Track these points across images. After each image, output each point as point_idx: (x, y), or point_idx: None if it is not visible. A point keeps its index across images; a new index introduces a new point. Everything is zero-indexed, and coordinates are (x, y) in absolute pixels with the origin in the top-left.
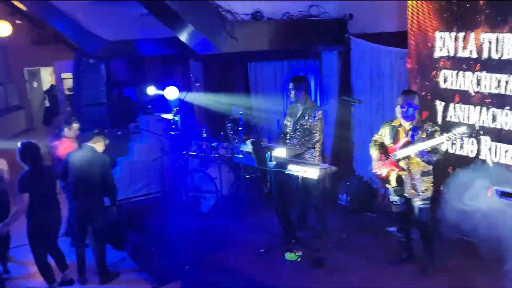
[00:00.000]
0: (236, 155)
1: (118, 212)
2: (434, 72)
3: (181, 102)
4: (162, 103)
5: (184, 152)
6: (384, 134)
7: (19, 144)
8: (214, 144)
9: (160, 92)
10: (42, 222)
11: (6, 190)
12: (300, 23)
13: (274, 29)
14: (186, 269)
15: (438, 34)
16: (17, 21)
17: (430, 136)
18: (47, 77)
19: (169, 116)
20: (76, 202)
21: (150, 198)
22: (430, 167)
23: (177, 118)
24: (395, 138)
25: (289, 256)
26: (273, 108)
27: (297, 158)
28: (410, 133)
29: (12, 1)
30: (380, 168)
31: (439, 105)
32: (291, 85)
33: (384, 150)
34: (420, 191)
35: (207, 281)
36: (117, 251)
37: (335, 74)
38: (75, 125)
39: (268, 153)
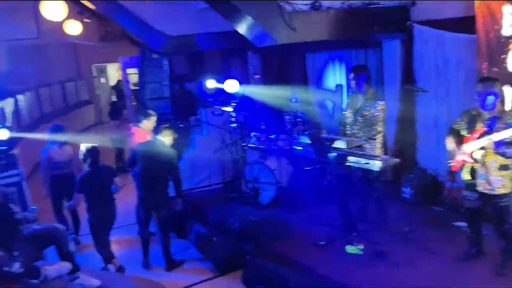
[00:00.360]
0: (295, 146)
1: (182, 203)
2: (503, 56)
3: (240, 95)
4: (222, 96)
5: (244, 144)
6: (462, 123)
7: (82, 147)
8: (273, 136)
9: (219, 85)
10: (99, 216)
11: (74, 173)
12: (360, 12)
13: (334, 18)
14: (247, 258)
15: (506, 9)
16: (86, 20)
17: (508, 126)
18: (113, 73)
19: (229, 108)
20: (142, 191)
21: (211, 189)
22: (509, 161)
23: (232, 111)
24: (472, 127)
25: (349, 249)
26: (331, 99)
27: (358, 150)
28: (488, 122)
29: (82, 0)
30: (454, 159)
31: (508, 92)
32: (351, 75)
33: (460, 140)
34: (496, 187)
35: (267, 271)
36: (181, 240)
37: (397, 63)
38: (153, 118)
39: (328, 144)
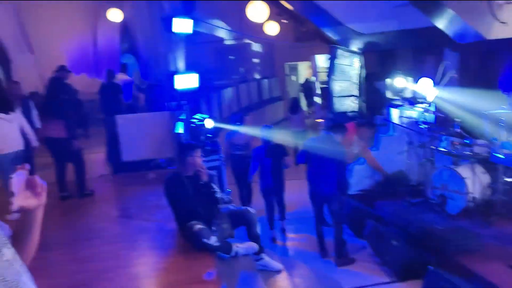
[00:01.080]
0: (495, 154)
1: (342, 204)
2: None
3: (430, 95)
4: (411, 96)
5: (433, 147)
6: None
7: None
8: (468, 141)
9: (410, 84)
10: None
11: (250, 154)
12: None
13: None
14: (429, 269)
15: None
16: (283, 21)
17: None
18: (303, 71)
19: (418, 109)
20: (312, 185)
21: (392, 191)
22: None
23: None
24: None
25: None
26: None
27: None
28: None
29: (281, 1)
30: None
31: None
32: None
33: None
34: None
35: (451, 286)
36: (358, 239)
37: None
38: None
39: None
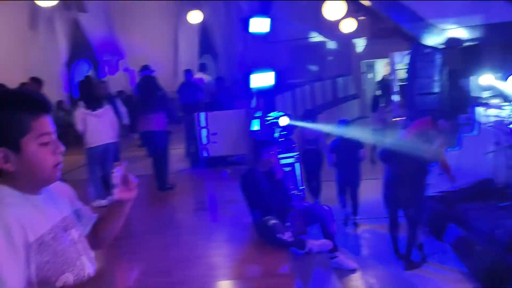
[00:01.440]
0: None
1: (429, 204)
2: None
3: None
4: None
5: None
6: None
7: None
8: None
9: (497, 81)
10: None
11: (322, 151)
12: None
13: None
14: None
15: None
16: (360, 18)
17: None
18: (381, 68)
19: (507, 108)
20: (388, 188)
21: (475, 193)
22: None
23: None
24: None
25: None
26: None
27: None
28: None
29: None
30: None
31: None
32: None
33: None
34: None
35: None
36: (438, 242)
37: None
38: None
39: None
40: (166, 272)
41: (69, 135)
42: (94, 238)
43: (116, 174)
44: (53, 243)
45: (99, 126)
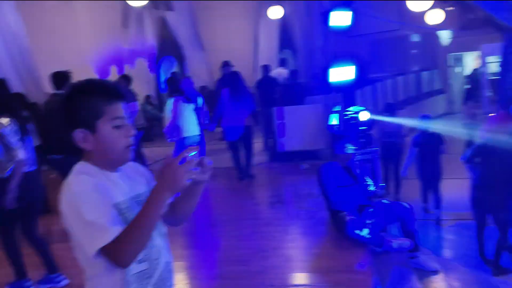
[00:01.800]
0: None
1: None
2: None
3: None
4: None
5: None
6: None
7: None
8: None
9: None
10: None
11: (401, 142)
12: None
13: None
14: None
15: None
16: (448, 8)
17: None
18: (470, 61)
19: None
20: (476, 190)
21: None
22: None
23: None
24: None
25: None
26: None
27: None
28: None
29: None
30: None
31: None
32: None
33: None
34: None
35: None
36: None
37: None
38: None
39: None
40: (243, 261)
41: (156, 128)
42: (170, 217)
43: (192, 158)
44: (126, 212)
45: (189, 119)
